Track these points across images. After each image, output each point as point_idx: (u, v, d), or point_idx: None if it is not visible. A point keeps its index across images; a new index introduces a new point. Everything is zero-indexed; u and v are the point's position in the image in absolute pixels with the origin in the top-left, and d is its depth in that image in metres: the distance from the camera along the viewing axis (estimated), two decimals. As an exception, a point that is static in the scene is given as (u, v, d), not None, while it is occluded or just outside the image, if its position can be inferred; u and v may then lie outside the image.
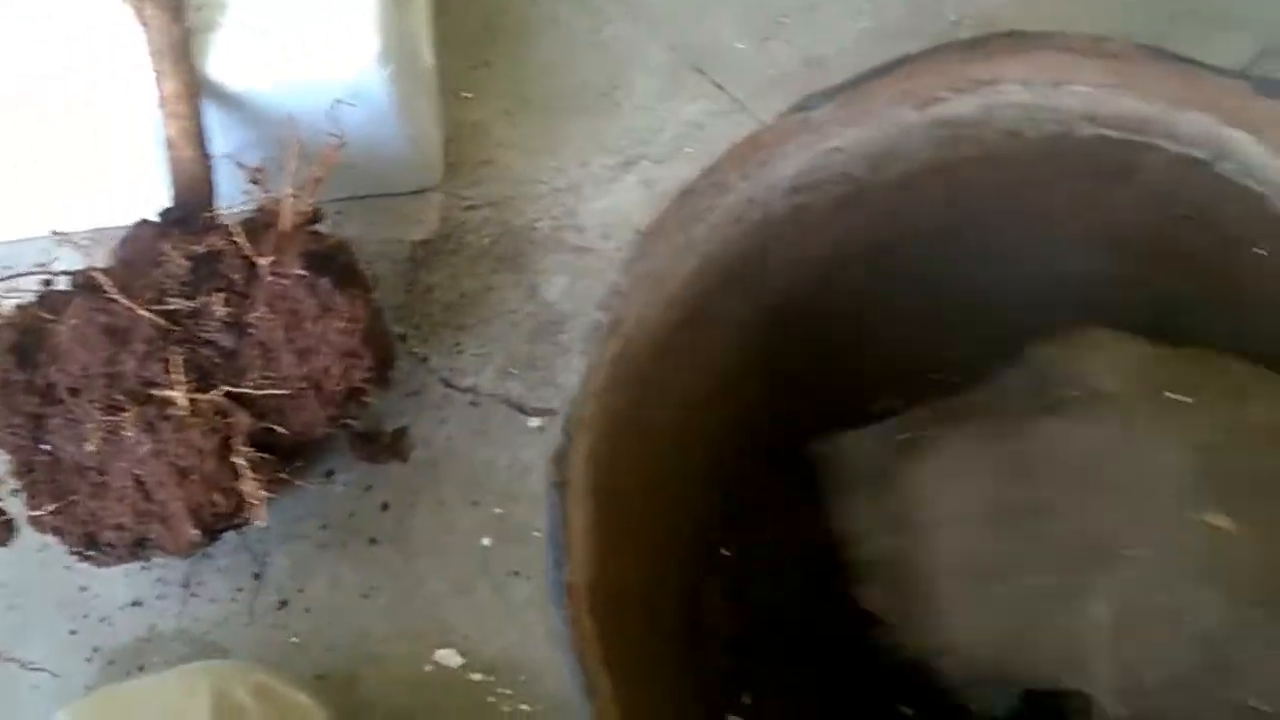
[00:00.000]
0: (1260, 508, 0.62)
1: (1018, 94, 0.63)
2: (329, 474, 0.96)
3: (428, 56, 1.07)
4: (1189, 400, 0.66)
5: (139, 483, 0.81)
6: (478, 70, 1.14)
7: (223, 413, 0.79)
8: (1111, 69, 0.61)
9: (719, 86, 1.13)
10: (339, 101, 0.88)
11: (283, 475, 0.83)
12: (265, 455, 0.80)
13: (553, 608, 0.53)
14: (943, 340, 0.83)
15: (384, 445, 0.94)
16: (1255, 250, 0.67)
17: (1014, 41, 0.61)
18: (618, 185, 1.07)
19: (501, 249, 1.04)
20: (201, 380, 0.80)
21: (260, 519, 0.80)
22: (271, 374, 0.80)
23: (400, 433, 0.96)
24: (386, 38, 0.91)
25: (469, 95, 1.12)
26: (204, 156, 0.87)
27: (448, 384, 0.98)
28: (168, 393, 0.78)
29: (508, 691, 0.88)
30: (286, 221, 0.81)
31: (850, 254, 0.73)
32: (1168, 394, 0.66)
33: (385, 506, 0.95)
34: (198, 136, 0.86)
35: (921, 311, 0.81)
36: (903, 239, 0.73)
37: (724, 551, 0.88)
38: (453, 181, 1.08)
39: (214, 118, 0.91)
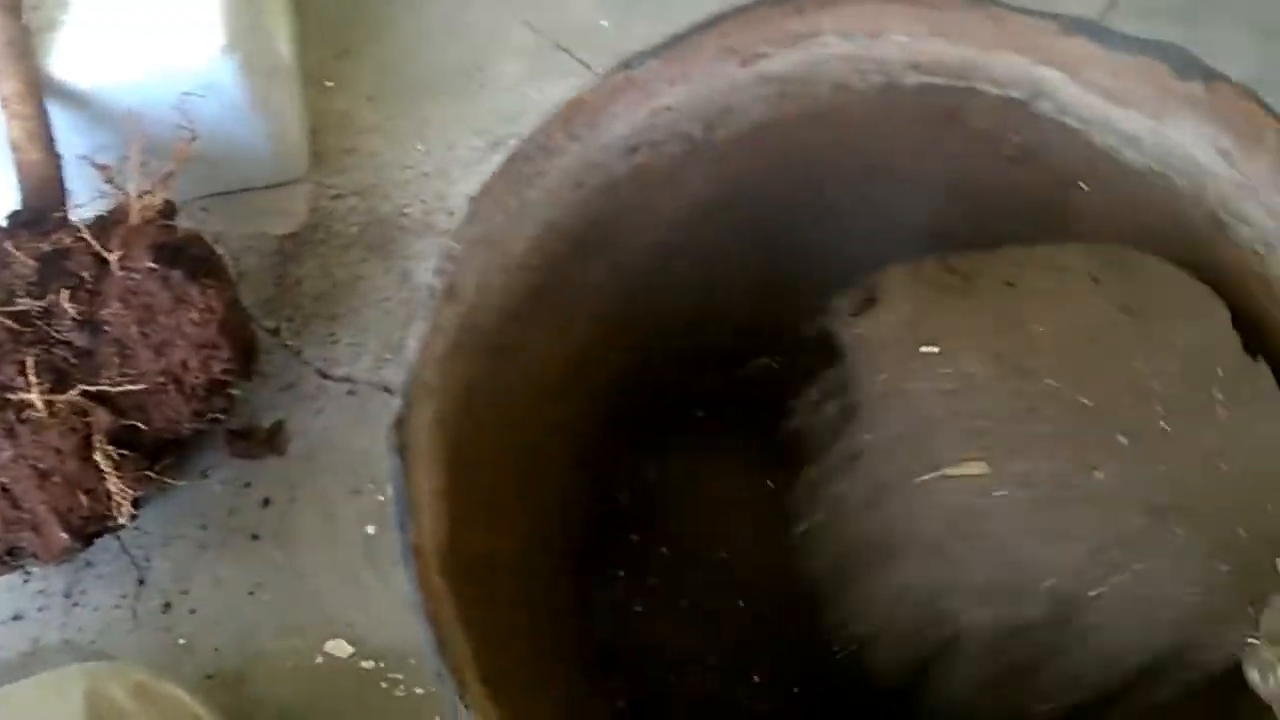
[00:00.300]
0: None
1: (838, 46, 0.65)
2: (205, 473, 0.95)
3: (284, 47, 1.06)
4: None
5: (4, 490, 0.79)
6: (340, 59, 1.14)
7: (81, 412, 0.78)
8: (922, 16, 0.63)
9: (584, 64, 1.13)
10: (188, 94, 0.87)
11: (150, 473, 0.82)
12: (128, 453, 0.79)
13: (404, 570, 0.53)
14: (800, 295, 0.84)
15: (260, 440, 0.94)
16: (1080, 186, 0.69)
17: (825, -7, 0.62)
18: (486, 167, 1.06)
19: (371, 236, 1.04)
20: (58, 381, 0.78)
21: (127, 517, 0.79)
22: (129, 370, 0.79)
23: (276, 427, 0.95)
24: (232, 27, 0.91)
25: (331, 84, 1.12)
26: (52, 157, 0.86)
27: (323, 374, 0.98)
28: (24, 395, 0.77)
29: (399, 676, 0.88)
30: (135, 216, 0.80)
31: (697, 214, 0.74)
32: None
33: (266, 502, 0.94)
34: (43, 137, 0.85)
35: (778, 268, 0.82)
36: (747, 196, 0.74)
37: (608, 523, 0.89)
38: (319, 172, 1.08)
39: (63, 117, 0.90)
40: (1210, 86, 0.61)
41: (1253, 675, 0.52)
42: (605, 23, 1.15)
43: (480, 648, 0.58)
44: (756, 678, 0.84)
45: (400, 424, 0.54)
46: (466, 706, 0.50)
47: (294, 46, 1.10)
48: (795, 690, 0.84)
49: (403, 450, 0.53)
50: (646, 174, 0.69)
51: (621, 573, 0.88)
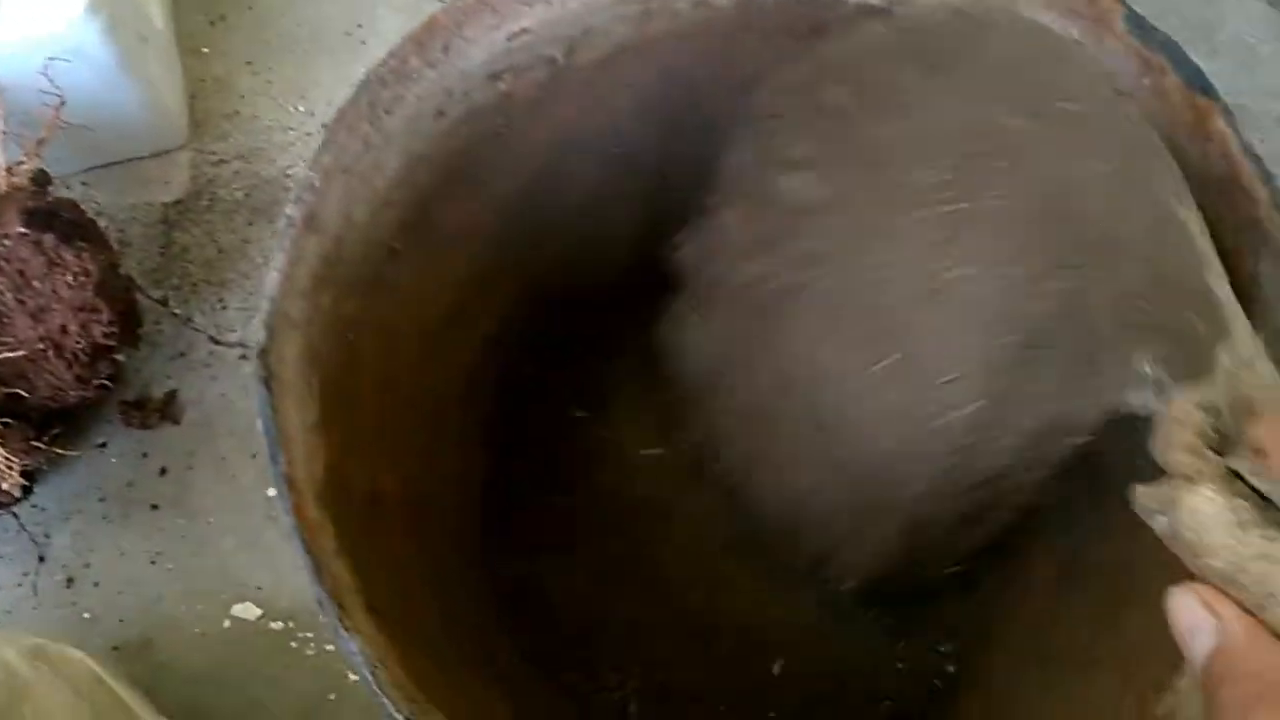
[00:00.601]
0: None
1: (693, -41, 0.65)
2: (102, 445, 0.93)
3: (155, 12, 1.04)
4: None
5: (-113, 467, 0.78)
6: (215, 24, 1.12)
7: (-41, 383, 0.77)
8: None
9: (464, 17, 1.12)
10: (53, 59, 0.85)
11: (38, 444, 0.80)
12: (12, 422, 0.78)
13: (278, 502, 0.52)
14: (675, 229, 0.85)
15: (154, 410, 0.93)
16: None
17: (673, -96, 0.62)
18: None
19: (256, 200, 1.02)
20: (-66, 353, 0.77)
21: (17, 488, 0.78)
22: (7, 338, 0.78)
23: (170, 395, 0.94)
24: (96, -8, 0.89)
25: (207, 50, 1.10)
26: (-85, 130, 0.84)
27: (215, 341, 0.97)
28: (-101, 368, 0.75)
29: (309, 635, 0.88)
30: (3, 185, 0.79)
31: (570, 143, 0.74)
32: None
33: (164, 471, 0.93)
34: (-96, 110, 0.83)
35: (665, 193, 0.82)
36: (621, 120, 0.74)
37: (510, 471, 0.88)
38: (200, 139, 1.06)
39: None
40: (1056, -23, 0.62)
41: (1147, 504, 0.48)
42: (484, -25, 1.14)
43: (365, 579, 0.58)
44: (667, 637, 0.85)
45: (264, 354, 0.53)
46: (347, 630, 0.50)
47: (166, 13, 1.08)
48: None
49: (268, 381, 0.53)
50: (512, 102, 0.68)
51: (528, 523, 0.88)
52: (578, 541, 0.87)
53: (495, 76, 0.66)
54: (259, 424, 0.53)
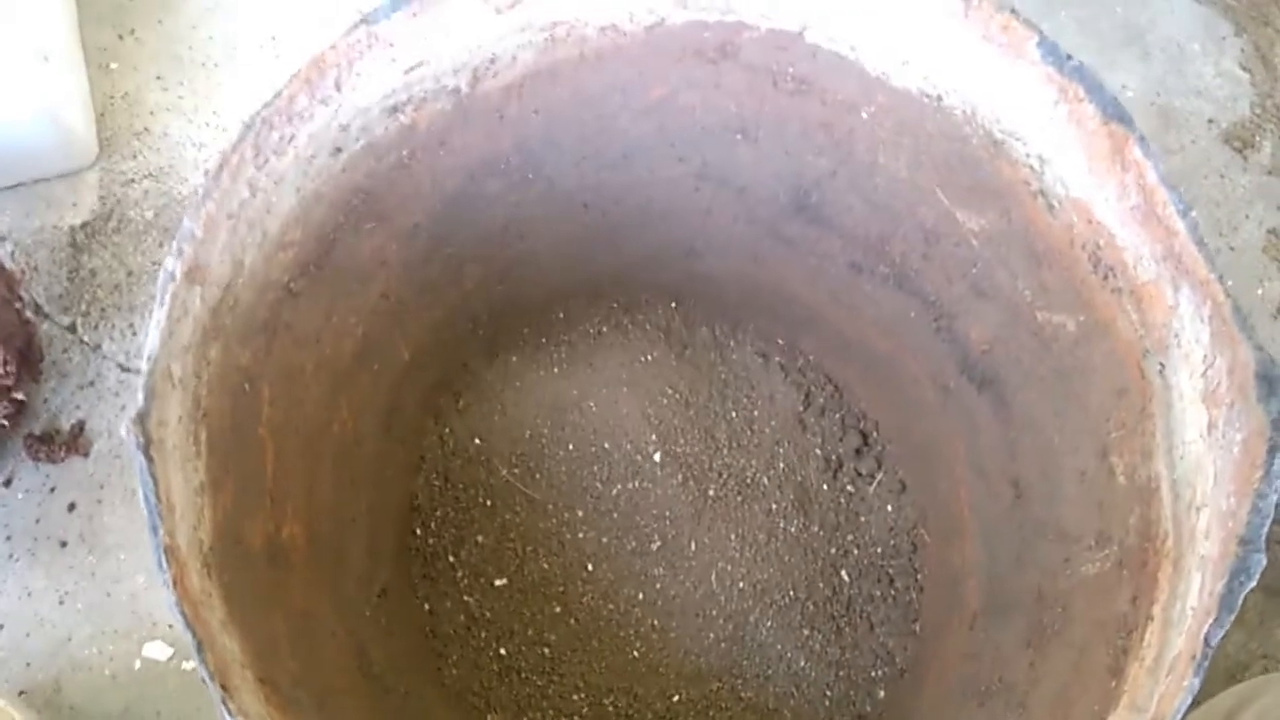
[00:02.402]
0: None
1: (596, -15, 0.62)
2: (8, 482, 0.90)
3: (61, 29, 1.00)
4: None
5: None
6: (124, 39, 1.08)
7: None
8: (674, -52, 0.61)
9: (382, 26, 1.09)
10: (-58, 84, 0.82)
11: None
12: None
13: (157, 572, 0.50)
14: (609, 237, 0.83)
15: (62, 443, 0.90)
16: (863, 115, 0.68)
17: (571, -70, 0.60)
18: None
19: (166, 220, 0.99)
20: None
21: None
22: (-107, 382, 0.75)
23: (77, 427, 0.91)
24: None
25: (116, 66, 1.06)
26: None
27: (124, 368, 0.94)
28: None
29: (226, 673, 0.85)
30: (-113, 219, 0.75)
31: (482, 170, 0.71)
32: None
33: (72, 506, 0.90)
34: None
35: (584, 213, 0.81)
36: (532, 146, 0.72)
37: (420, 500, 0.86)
38: (109, 157, 1.02)
39: None
40: (969, 4, 0.60)
41: None
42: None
43: (260, 647, 0.55)
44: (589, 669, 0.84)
45: (143, 420, 0.50)
46: (230, 713, 0.48)
47: (72, 29, 1.04)
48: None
49: (147, 448, 0.50)
50: (415, 133, 0.66)
51: (447, 550, 0.86)
52: (498, 572, 0.85)
53: (395, 110, 0.63)
54: (139, 492, 0.51)
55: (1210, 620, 0.49)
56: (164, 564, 0.49)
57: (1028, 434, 0.71)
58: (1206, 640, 0.49)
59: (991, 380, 0.74)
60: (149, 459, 0.50)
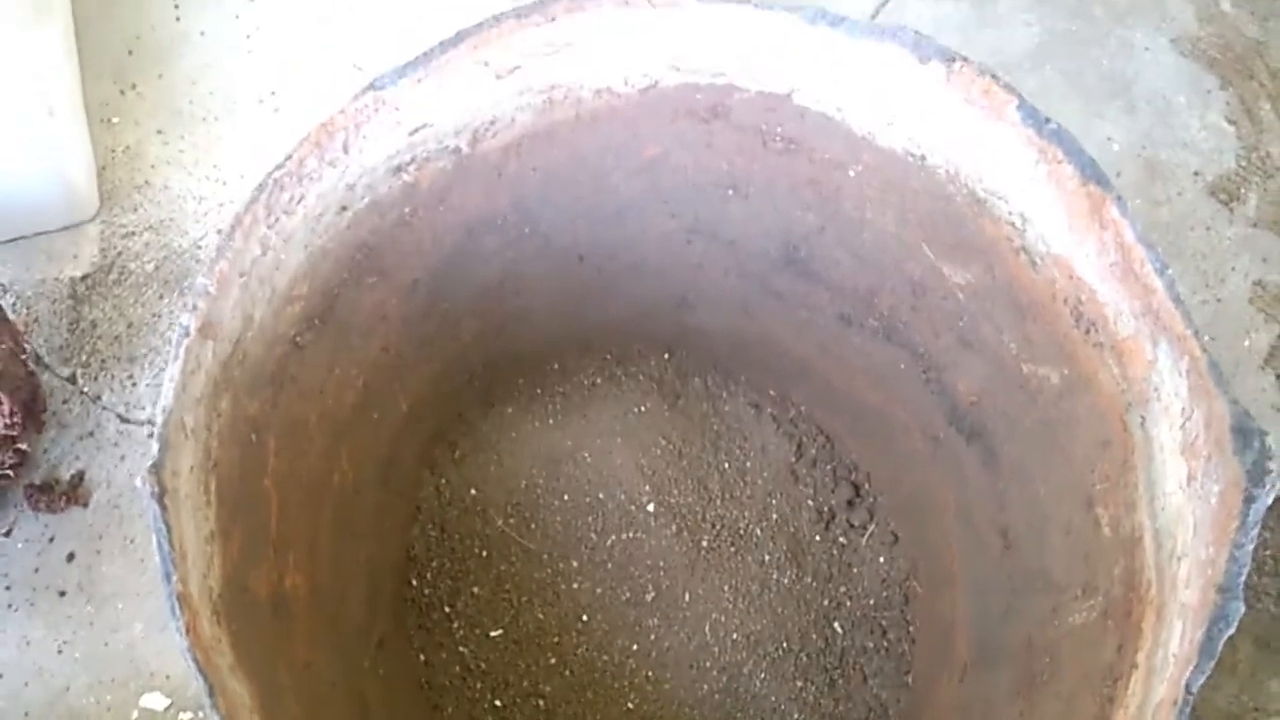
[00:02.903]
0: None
1: (596, 52, 0.65)
2: (8, 532, 0.91)
3: (65, 85, 1.02)
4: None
5: None
6: (126, 94, 1.10)
7: None
8: (673, 18, 0.63)
9: (380, 83, 1.11)
10: (-50, 141, 0.83)
11: (-63, 538, 0.78)
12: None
13: (170, 619, 0.51)
14: (602, 290, 0.85)
15: (61, 493, 0.91)
16: (850, 173, 0.71)
17: (572, 2, 0.62)
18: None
19: (166, 272, 1.01)
20: None
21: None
22: (-99, 433, 0.76)
23: (78, 477, 0.92)
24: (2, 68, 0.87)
25: (118, 120, 1.08)
26: None
27: (123, 419, 0.95)
28: None
29: (221, 723, 0.86)
30: (-103, 272, 0.77)
31: (480, 226, 0.73)
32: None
33: (71, 556, 0.91)
34: None
35: (579, 266, 0.82)
36: (530, 202, 0.74)
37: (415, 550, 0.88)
38: (110, 210, 1.04)
39: None
40: (950, 68, 0.62)
41: None
42: (399, 41, 1.14)
43: (267, 693, 0.56)
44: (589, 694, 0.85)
45: (157, 469, 0.52)
46: (242, 756, 0.49)
47: (75, 83, 1.07)
48: None
49: (161, 497, 0.51)
50: (417, 191, 0.68)
51: (443, 601, 0.87)
52: (493, 623, 0.86)
53: (399, 169, 0.65)
54: (153, 539, 0.52)
55: (1191, 667, 0.51)
56: (177, 610, 0.51)
57: (1015, 485, 0.73)
58: (1188, 687, 0.51)
59: (979, 432, 0.76)
60: (163, 508, 0.52)
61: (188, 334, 0.55)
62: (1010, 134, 0.62)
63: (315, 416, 0.71)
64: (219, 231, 0.60)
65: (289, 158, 0.59)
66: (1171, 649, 0.53)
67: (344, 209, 0.65)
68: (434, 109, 0.64)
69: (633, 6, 0.63)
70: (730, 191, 0.75)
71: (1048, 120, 0.61)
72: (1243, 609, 0.50)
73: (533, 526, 0.88)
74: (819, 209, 0.74)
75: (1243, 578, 0.50)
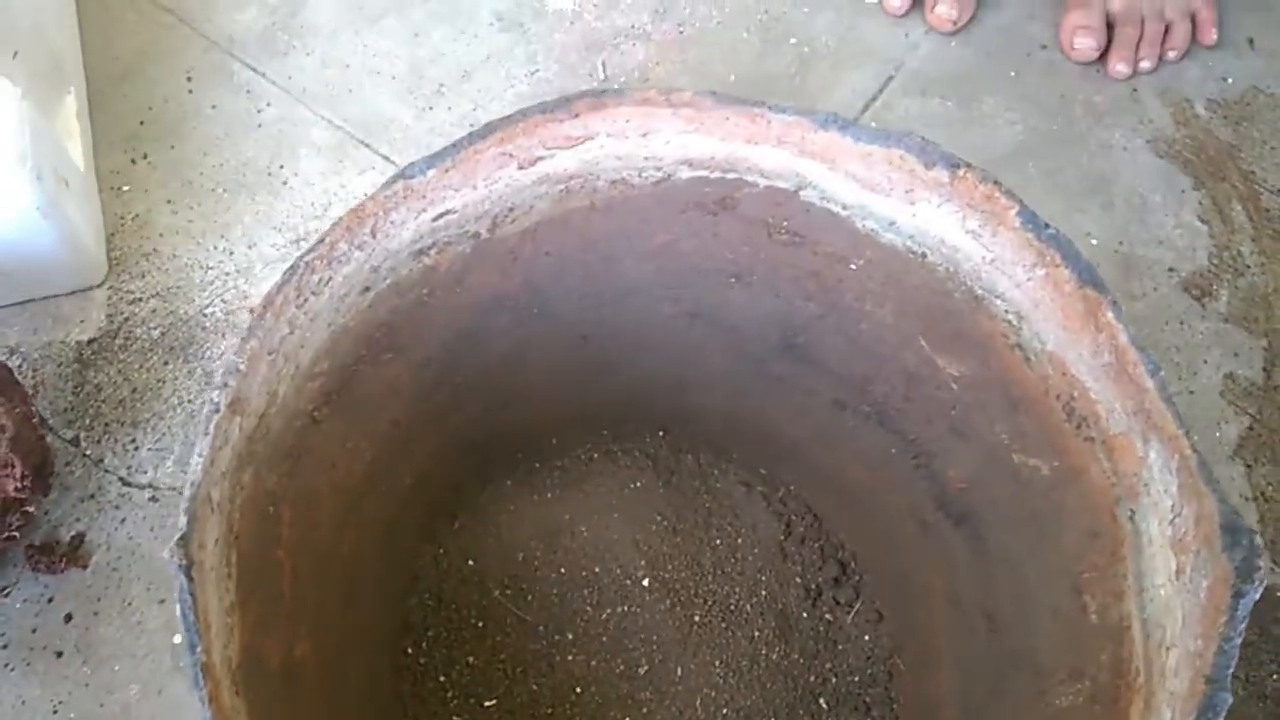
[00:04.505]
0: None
1: (613, 146, 0.68)
2: (5, 591, 0.92)
3: (78, 153, 1.05)
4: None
5: None
6: (136, 163, 1.13)
7: None
8: (686, 117, 0.66)
9: (385, 158, 1.15)
10: (-26, 208, 0.85)
11: (-59, 598, 0.79)
12: (-84, 580, 0.77)
13: (193, 689, 0.53)
14: (606, 370, 0.87)
15: (61, 554, 0.92)
16: (851, 266, 0.74)
17: (594, 100, 0.65)
18: (289, 263, 1.07)
19: (172, 339, 1.03)
20: None
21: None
22: (-84, 494, 0.77)
23: (78, 539, 0.93)
24: (25, 137, 0.89)
25: (128, 188, 1.11)
26: None
27: (125, 482, 0.96)
28: None
29: (214, 788, 0.86)
30: (-84, 336, 0.78)
31: (491, 306, 0.76)
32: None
33: (69, 617, 0.91)
34: None
35: (582, 346, 0.85)
36: (540, 284, 0.76)
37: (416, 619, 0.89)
38: (117, 277, 1.06)
39: None
40: (954, 174, 0.65)
41: None
42: (406, 116, 1.17)
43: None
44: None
45: (185, 542, 0.54)
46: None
47: (88, 151, 1.09)
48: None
49: (189, 569, 0.53)
50: (436, 274, 0.70)
51: (438, 670, 0.88)
52: (487, 692, 0.87)
53: (421, 253, 0.68)
54: (177, 610, 0.53)
55: (1180, 755, 0.53)
56: (200, 681, 0.52)
57: (1003, 569, 0.75)
58: (1177, 773, 0.53)
59: (968, 517, 0.78)
60: (190, 579, 0.53)
61: (218, 410, 0.57)
62: (1010, 237, 0.65)
63: (327, 488, 0.72)
64: (250, 311, 0.62)
65: (321, 241, 0.61)
66: (1161, 736, 0.56)
67: (367, 289, 0.67)
68: (459, 197, 0.67)
69: (652, 104, 0.66)
70: (733, 279, 0.78)
71: (1047, 226, 0.64)
72: (1230, 700, 0.52)
73: (529, 598, 0.90)
74: (820, 299, 0.77)
75: (1230, 670, 0.52)
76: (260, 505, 0.63)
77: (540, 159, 0.67)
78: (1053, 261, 0.64)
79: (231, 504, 0.59)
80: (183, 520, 0.54)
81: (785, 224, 0.73)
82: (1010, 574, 0.75)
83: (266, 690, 0.60)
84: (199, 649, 0.52)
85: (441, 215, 0.66)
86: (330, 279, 0.63)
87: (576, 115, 0.65)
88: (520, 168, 0.67)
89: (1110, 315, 0.63)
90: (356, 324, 0.68)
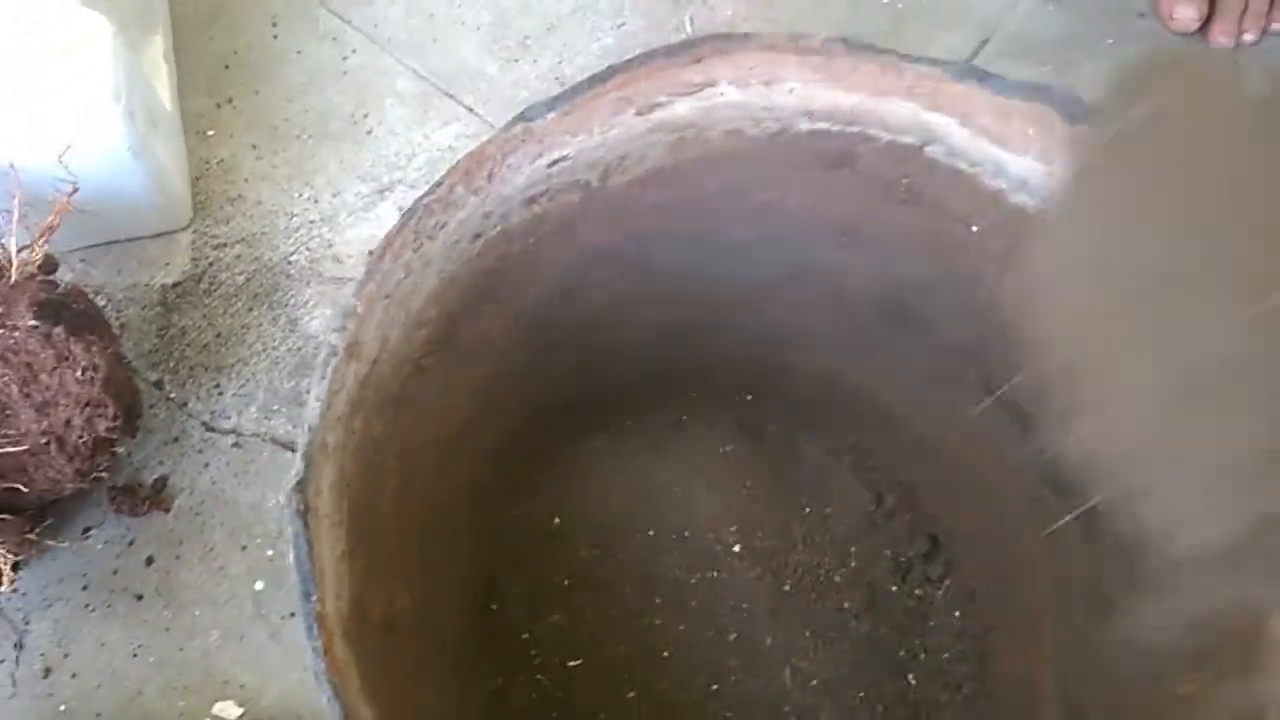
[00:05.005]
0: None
1: (734, 94, 0.65)
2: (87, 532, 0.92)
3: (166, 95, 1.04)
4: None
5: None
6: (222, 108, 1.11)
7: (-42, 477, 0.75)
8: (813, 65, 0.63)
9: (470, 109, 1.13)
10: (70, 145, 0.84)
11: (31, 536, 0.79)
12: (9, 517, 0.76)
13: (306, 640, 0.51)
14: (702, 330, 0.85)
15: (144, 497, 0.91)
16: (972, 228, 0.71)
17: (719, 44, 0.63)
18: (373, 213, 1.06)
19: (257, 285, 1.02)
20: (-67, 447, 0.75)
21: (7, 585, 0.76)
22: (10, 431, 0.76)
23: (160, 482, 0.92)
24: (117, 77, 0.88)
25: (213, 133, 1.10)
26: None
27: (209, 427, 0.95)
28: (-102, 462, 0.73)
29: (292, 738, 0.86)
30: (14, 273, 0.77)
31: (593, 259, 0.74)
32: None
33: (150, 560, 0.91)
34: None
35: (681, 304, 0.83)
36: (643, 238, 0.74)
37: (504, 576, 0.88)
38: (202, 221, 1.05)
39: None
40: (1095, 132, 0.62)
41: None
42: (490, 68, 1.15)
43: (383, 714, 0.57)
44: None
45: (302, 487, 0.52)
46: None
47: (174, 95, 1.08)
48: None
49: (305, 514, 0.52)
50: (542, 223, 0.69)
51: (523, 627, 0.87)
52: (572, 652, 0.86)
53: (532, 200, 0.66)
54: (291, 558, 0.52)
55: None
56: (314, 632, 0.51)
57: (1118, 551, 0.72)
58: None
59: (1082, 499, 0.75)
60: (305, 525, 0.52)
61: (336, 353, 0.55)
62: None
63: (426, 441, 0.71)
64: (369, 253, 0.60)
65: (440, 184, 0.59)
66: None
67: (477, 236, 0.65)
68: (574, 142, 0.65)
69: (778, 50, 0.63)
70: (844, 238, 0.76)
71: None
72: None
73: (617, 558, 0.88)
74: (933, 263, 0.75)
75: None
76: (369, 453, 0.61)
77: (659, 105, 0.65)
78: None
79: (344, 450, 0.58)
80: (299, 464, 0.53)
81: (905, 182, 0.71)
82: (1125, 556, 0.72)
83: (371, 643, 0.59)
84: (314, 598, 0.51)
85: (556, 162, 0.64)
86: (445, 224, 0.61)
87: (699, 60, 0.63)
88: (638, 113, 0.65)
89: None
90: (465, 272, 0.66)
